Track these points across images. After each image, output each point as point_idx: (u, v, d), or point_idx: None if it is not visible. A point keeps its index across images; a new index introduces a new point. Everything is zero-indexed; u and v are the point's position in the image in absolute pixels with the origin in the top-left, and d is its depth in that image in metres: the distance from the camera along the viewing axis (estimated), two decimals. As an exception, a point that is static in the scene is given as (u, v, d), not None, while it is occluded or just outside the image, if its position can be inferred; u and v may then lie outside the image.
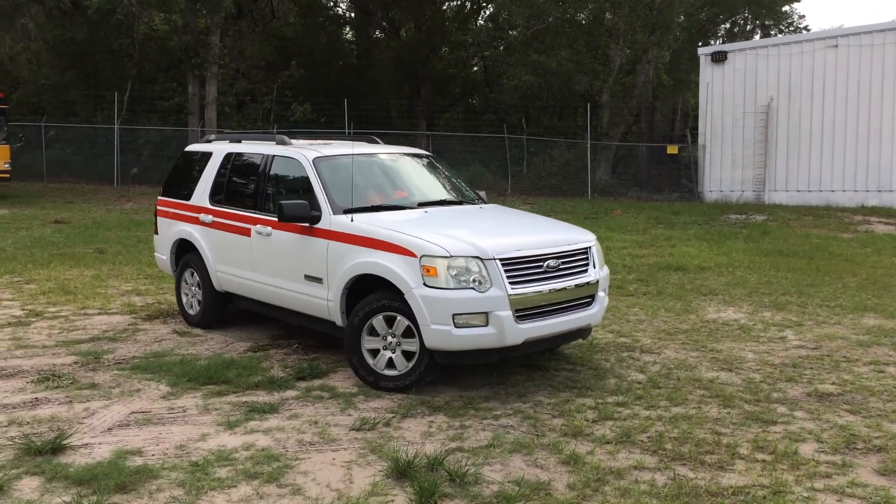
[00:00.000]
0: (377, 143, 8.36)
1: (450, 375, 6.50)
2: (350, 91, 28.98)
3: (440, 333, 5.77)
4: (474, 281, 5.78)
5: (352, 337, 6.23)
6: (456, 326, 5.74)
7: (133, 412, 5.59)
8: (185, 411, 5.62)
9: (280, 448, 4.99)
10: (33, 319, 8.27)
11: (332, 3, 36.37)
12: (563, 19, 28.73)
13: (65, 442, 4.94)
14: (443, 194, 7.48)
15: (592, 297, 6.44)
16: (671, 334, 7.96)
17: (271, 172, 7.35)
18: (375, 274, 6.09)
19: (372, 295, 6.19)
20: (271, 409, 5.66)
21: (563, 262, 6.22)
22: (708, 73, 22.75)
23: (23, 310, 8.67)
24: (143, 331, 7.88)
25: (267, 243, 7.10)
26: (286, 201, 6.63)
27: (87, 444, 5.00)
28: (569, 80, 26.76)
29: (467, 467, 4.65)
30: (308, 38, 33.24)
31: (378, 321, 6.14)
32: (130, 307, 8.88)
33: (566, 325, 6.22)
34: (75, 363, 6.76)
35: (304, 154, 7.09)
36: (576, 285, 6.25)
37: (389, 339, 6.15)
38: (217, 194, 7.84)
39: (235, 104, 29.07)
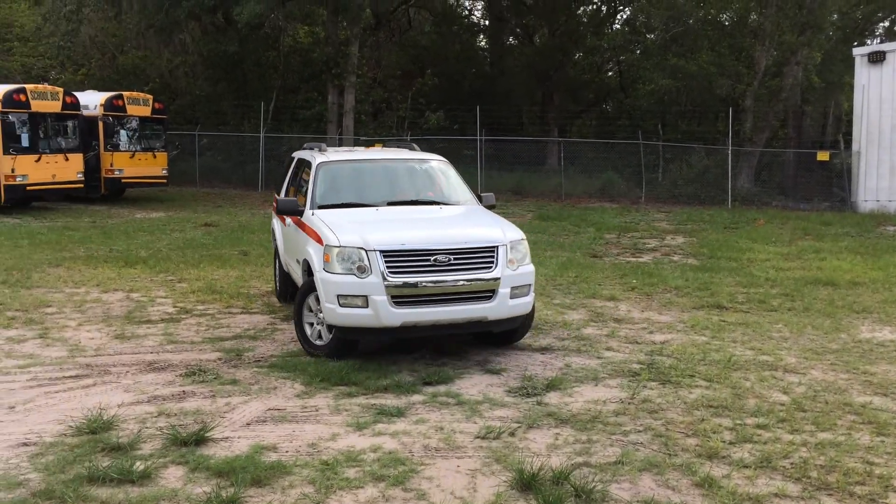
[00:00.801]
0: (414, 149, 9.47)
1: (578, 388, 6.38)
2: (483, 98, 29.16)
3: (330, 311, 6.76)
4: (358, 269, 6.66)
5: (295, 309, 7.36)
6: (340, 305, 6.67)
7: (269, 409, 5.83)
8: (317, 410, 5.80)
9: (406, 452, 5.05)
10: (183, 316, 8.81)
11: (466, 12, 36.84)
12: (704, 21, 27.69)
13: (207, 434, 5.21)
14: (419, 195, 8.20)
15: (492, 291, 6.78)
16: (819, 354, 7.45)
17: (303, 174, 8.72)
18: (307, 259, 7.24)
19: (309, 277, 7.27)
20: (398, 412, 5.74)
21: (456, 258, 6.75)
22: (864, 75, 21.26)
23: (174, 307, 9.26)
24: (281, 331, 8.22)
25: (288, 232, 8.69)
26: (281, 197, 8.41)
27: (227, 438, 5.25)
28: (709, 84, 25.74)
29: (594, 483, 4.53)
30: (443, 46, 33.78)
31: (311, 298, 7.14)
32: (270, 307, 9.29)
33: (453, 315, 6.75)
34: (219, 359, 7.14)
35: (315, 158, 8.41)
36: (467, 279, 6.74)
37: (319, 314, 7.07)
38: (287, 192, 9.40)
39: (372, 112, 29.93)
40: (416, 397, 6.11)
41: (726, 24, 28.20)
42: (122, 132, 21.63)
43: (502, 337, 7.49)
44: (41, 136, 18.72)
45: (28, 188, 18.27)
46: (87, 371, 6.72)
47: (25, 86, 19.14)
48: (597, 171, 26.06)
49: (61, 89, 19.83)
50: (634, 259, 13.41)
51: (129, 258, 12.46)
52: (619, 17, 34.67)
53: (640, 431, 5.45)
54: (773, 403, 6.01)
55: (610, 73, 36.45)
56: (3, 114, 17.64)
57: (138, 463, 4.73)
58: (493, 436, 5.32)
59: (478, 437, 5.31)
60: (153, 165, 22.32)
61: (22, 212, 18.57)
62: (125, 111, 21.57)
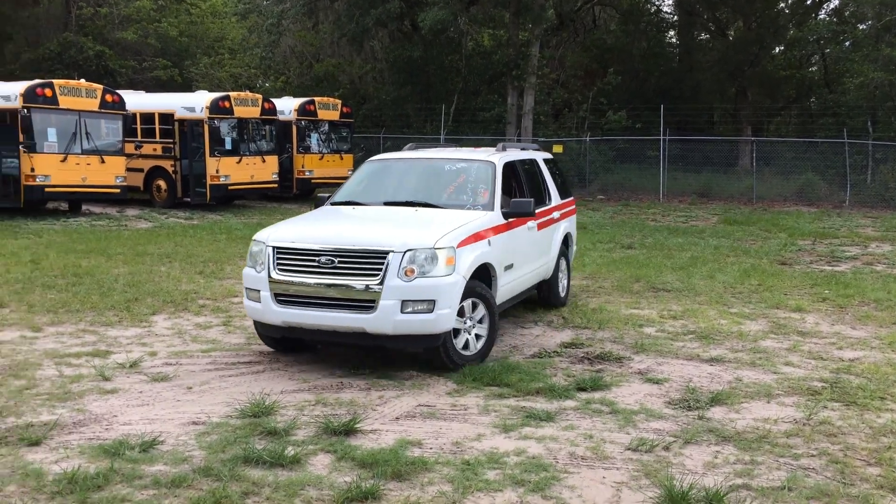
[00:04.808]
0: (527, 149, 9.58)
1: (747, 404, 5.89)
2: (669, 96, 28.04)
3: (245, 302, 6.85)
4: (259, 263, 6.64)
5: None
6: (247, 298, 6.78)
7: (420, 405, 5.87)
8: (465, 409, 5.77)
9: (550, 458, 4.88)
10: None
11: (654, 8, 35.58)
12: (925, 6, 24.93)
13: (357, 425, 5.33)
14: (421, 197, 7.59)
15: (371, 301, 6.20)
16: None
17: None
18: None
19: None
20: (548, 417, 5.58)
21: (341, 261, 6.33)
22: None
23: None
24: (442, 328, 8.28)
25: None
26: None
27: (375, 430, 5.34)
28: (930, 76, 23.17)
29: (752, 509, 4.14)
30: (628, 44, 32.85)
31: None
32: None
33: (333, 322, 6.32)
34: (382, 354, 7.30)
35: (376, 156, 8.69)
36: (341, 284, 6.29)
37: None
38: None
39: (552, 113, 29.68)
40: (569, 403, 5.91)
41: (952, 8, 25.20)
42: (313, 135, 22.92)
43: (428, 356, 6.71)
44: (242, 139, 20.27)
45: (230, 188, 19.84)
46: (260, 358, 7.12)
47: (230, 93, 20.80)
48: (794, 173, 24.24)
49: (260, 96, 21.35)
50: (829, 268, 12.27)
51: (311, 254, 13.13)
52: (824, 6, 32.07)
53: (812, 456, 4.92)
54: (981, 436, 5.22)
55: (813, 67, 33.78)
56: (210, 119, 19.28)
57: (290, 448, 4.92)
58: (646, 448, 5.02)
59: (629, 449, 5.03)
60: (340, 166, 23.47)
61: (224, 209, 20.21)
62: (316, 115, 22.85)
